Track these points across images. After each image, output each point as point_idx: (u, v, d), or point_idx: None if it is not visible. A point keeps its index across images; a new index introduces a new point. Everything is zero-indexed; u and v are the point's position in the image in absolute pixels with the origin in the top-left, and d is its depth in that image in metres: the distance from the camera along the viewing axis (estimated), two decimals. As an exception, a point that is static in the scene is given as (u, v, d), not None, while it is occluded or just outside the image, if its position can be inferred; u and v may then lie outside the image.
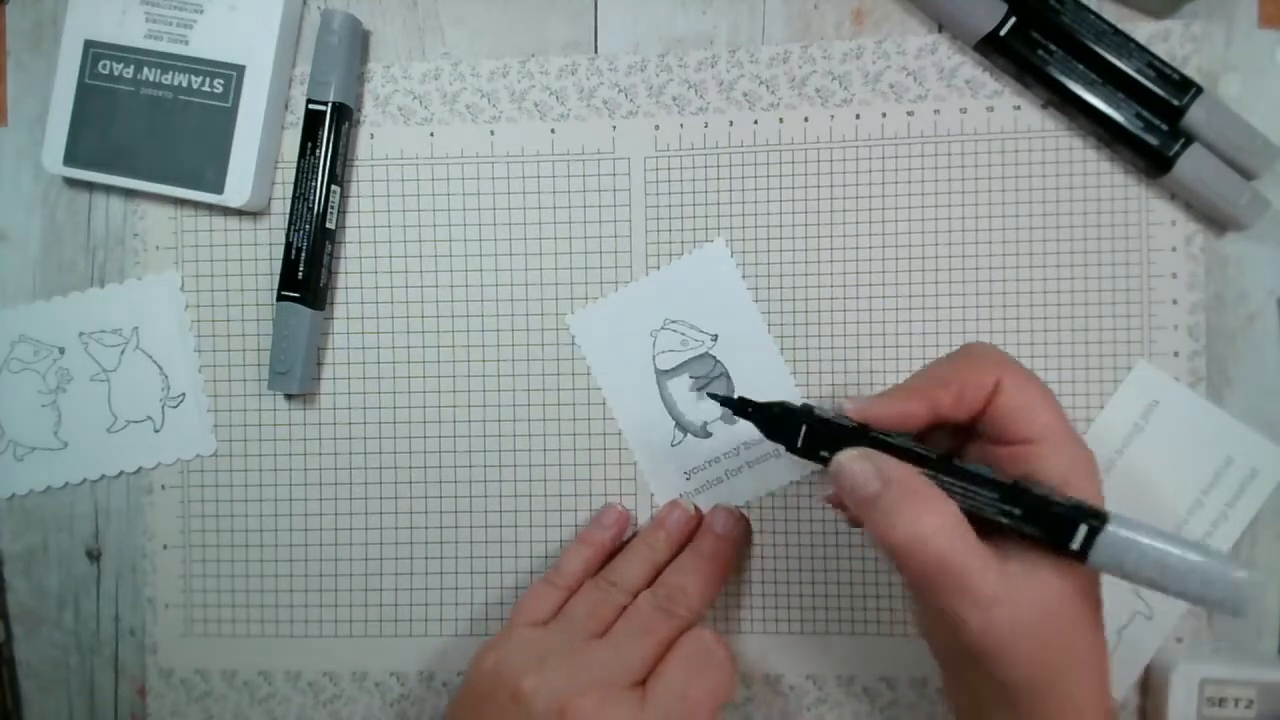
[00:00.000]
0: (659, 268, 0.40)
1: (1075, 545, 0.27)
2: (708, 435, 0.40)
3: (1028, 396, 0.29)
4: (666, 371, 0.40)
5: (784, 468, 0.40)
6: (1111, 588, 0.38)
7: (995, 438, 0.30)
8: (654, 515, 0.39)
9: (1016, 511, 0.28)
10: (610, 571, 0.37)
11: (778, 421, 0.31)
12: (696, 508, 0.39)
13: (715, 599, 0.38)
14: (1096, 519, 0.27)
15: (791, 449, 0.31)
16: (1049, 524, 0.27)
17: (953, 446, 0.32)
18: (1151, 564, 0.26)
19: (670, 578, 0.37)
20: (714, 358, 0.40)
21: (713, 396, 0.34)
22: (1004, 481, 0.28)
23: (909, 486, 0.28)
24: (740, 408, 0.32)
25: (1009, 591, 0.27)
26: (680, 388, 0.40)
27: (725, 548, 0.38)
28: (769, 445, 0.39)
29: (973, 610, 0.27)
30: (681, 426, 0.40)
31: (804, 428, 0.30)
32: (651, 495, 0.40)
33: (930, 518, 0.28)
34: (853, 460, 0.29)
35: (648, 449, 0.40)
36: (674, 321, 0.40)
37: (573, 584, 0.37)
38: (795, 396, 0.39)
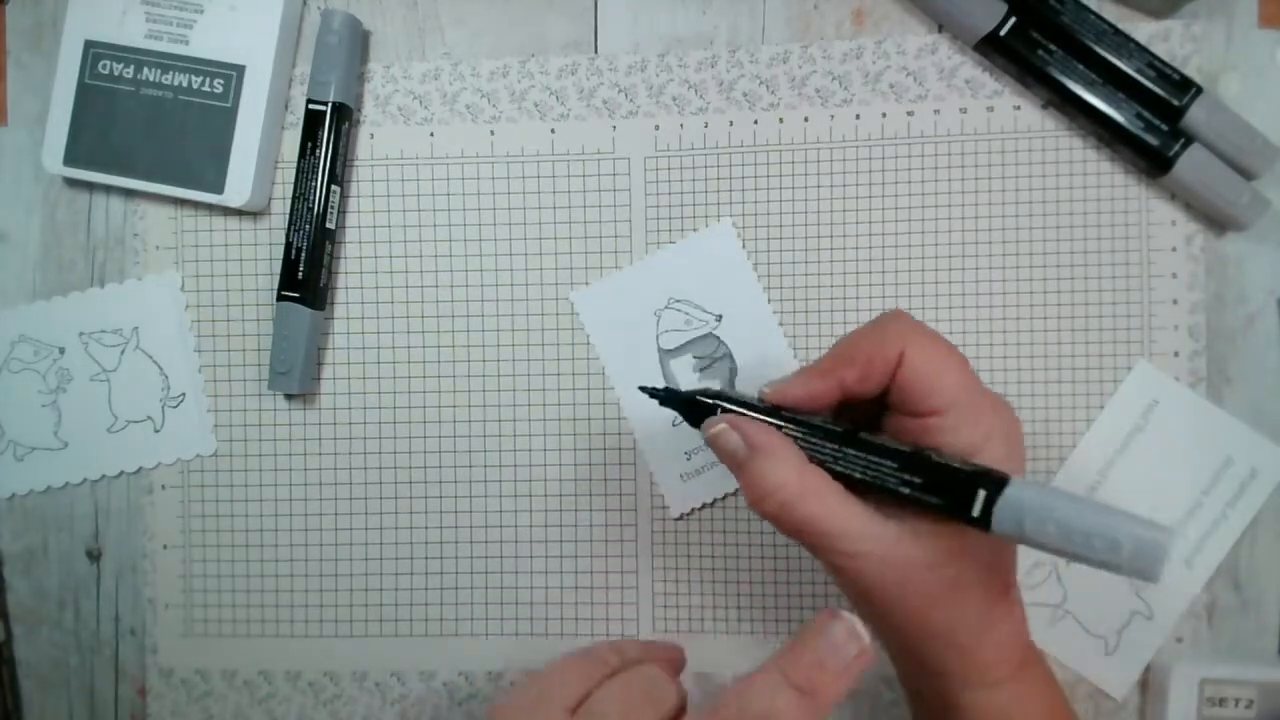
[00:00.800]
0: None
1: (975, 512, 0.26)
2: None
3: (931, 366, 0.29)
4: (670, 351, 0.40)
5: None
6: (1112, 590, 0.38)
7: (905, 410, 0.29)
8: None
9: (916, 481, 0.27)
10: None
11: (696, 409, 0.31)
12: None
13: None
14: (993, 484, 0.26)
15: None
16: (947, 493, 0.27)
17: (875, 419, 0.31)
18: (1052, 527, 0.24)
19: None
20: (717, 338, 0.40)
21: (642, 389, 0.33)
22: (904, 451, 0.28)
23: (771, 450, 0.29)
24: (663, 397, 0.32)
25: (879, 544, 0.28)
26: (683, 367, 0.40)
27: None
28: None
29: (843, 559, 0.28)
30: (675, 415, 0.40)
31: (719, 410, 0.31)
32: (652, 475, 0.40)
33: (793, 480, 0.28)
34: (721, 431, 0.30)
35: (649, 429, 0.40)
36: (678, 301, 0.40)
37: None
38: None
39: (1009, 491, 0.25)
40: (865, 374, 0.29)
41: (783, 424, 0.30)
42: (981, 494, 0.26)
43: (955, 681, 0.30)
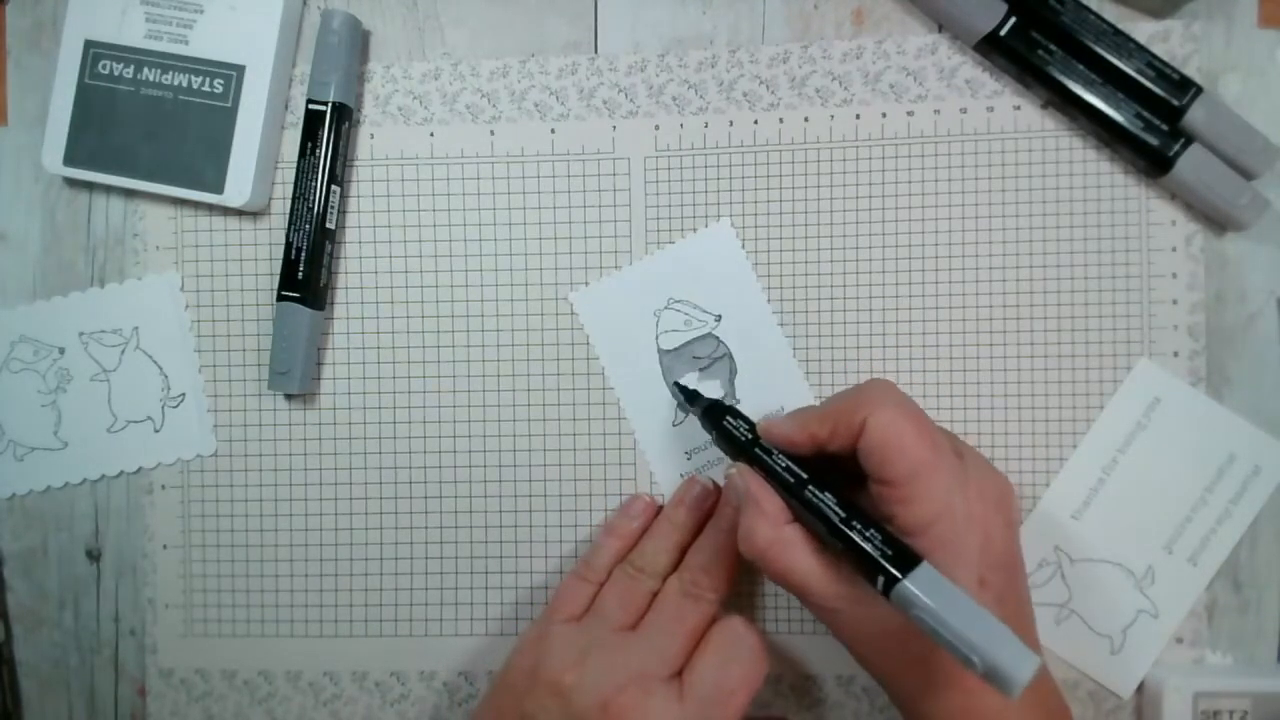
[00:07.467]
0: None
1: (879, 587, 0.28)
2: None
3: (885, 438, 0.30)
4: (669, 351, 0.40)
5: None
6: (1118, 589, 0.38)
7: (869, 474, 0.31)
8: (675, 493, 0.39)
9: (839, 545, 0.30)
10: (636, 557, 0.37)
11: (712, 414, 0.36)
12: (715, 483, 0.39)
13: (739, 572, 0.38)
14: (898, 569, 0.28)
15: (714, 438, 0.36)
16: (862, 561, 0.29)
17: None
18: (930, 624, 0.27)
19: (694, 559, 0.36)
20: (717, 338, 0.40)
21: (677, 384, 0.39)
22: (833, 515, 0.30)
23: (756, 502, 0.32)
24: (691, 398, 0.38)
25: (844, 602, 0.31)
26: (683, 368, 0.40)
27: None
28: None
29: (821, 612, 0.32)
30: (683, 407, 0.40)
31: (725, 420, 0.35)
32: (652, 475, 0.40)
33: (766, 534, 0.31)
34: (732, 476, 0.34)
35: (649, 429, 0.40)
36: (678, 301, 0.40)
37: (604, 577, 0.37)
38: (797, 380, 0.39)
39: (903, 585, 0.27)
40: (833, 433, 0.32)
41: (764, 456, 0.33)
42: (881, 579, 0.28)
43: None
